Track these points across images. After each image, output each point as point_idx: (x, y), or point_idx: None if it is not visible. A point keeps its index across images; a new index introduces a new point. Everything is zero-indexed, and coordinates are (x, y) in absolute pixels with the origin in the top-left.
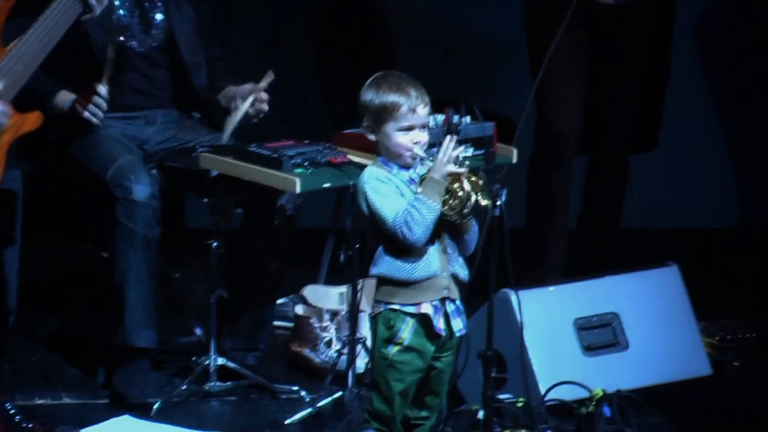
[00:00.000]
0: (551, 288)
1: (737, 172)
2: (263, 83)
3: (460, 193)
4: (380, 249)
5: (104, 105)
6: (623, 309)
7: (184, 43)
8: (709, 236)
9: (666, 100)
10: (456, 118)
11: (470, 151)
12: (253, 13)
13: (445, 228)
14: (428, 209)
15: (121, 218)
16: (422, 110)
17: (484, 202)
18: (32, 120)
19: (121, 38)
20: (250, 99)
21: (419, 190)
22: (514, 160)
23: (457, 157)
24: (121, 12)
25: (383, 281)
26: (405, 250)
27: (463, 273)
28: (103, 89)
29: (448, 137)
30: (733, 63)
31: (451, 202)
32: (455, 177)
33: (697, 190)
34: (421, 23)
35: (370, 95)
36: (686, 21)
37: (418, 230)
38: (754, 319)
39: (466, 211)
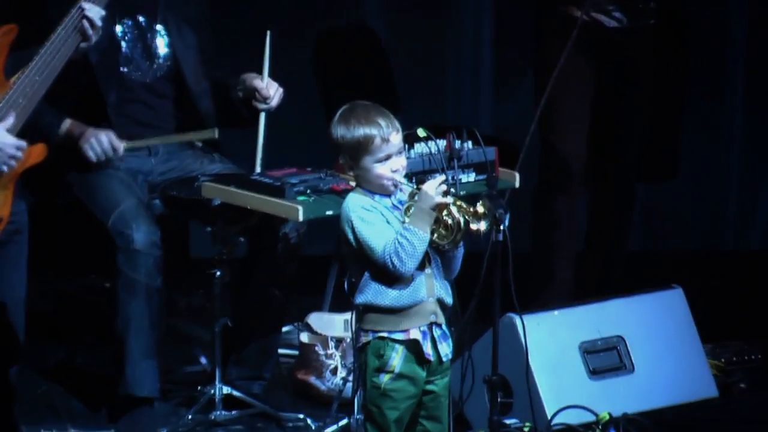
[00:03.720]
0: (556, 312)
1: (740, 193)
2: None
3: (450, 222)
4: (366, 276)
5: (112, 161)
6: (628, 332)
7: (189, 71)
8: (711, 258)
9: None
10: (458, 143)
11: (472, 176)
12: (255, 38)
13: (431, 252)
14: (419, 240)
15: (122, 268)
16: (395, 137)
17: (474, 227)
18: (37, 152)
19: (124, 69)
20: (262, 121)
21: (407, 220)
22: (517, 184)
23: (445, 188)
24: (124, 43)
25: (369, 309)
26: (392, 277)
27: (448, 297)
28: (121, 150)
29: (435, 176)
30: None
31: (441, 231)
32: (443, 206)
33: (699, 212)
34: (422, 47)
35: (341, 131)
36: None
37: (409, 261)
38: (761, 340)
39: (458, 238)
